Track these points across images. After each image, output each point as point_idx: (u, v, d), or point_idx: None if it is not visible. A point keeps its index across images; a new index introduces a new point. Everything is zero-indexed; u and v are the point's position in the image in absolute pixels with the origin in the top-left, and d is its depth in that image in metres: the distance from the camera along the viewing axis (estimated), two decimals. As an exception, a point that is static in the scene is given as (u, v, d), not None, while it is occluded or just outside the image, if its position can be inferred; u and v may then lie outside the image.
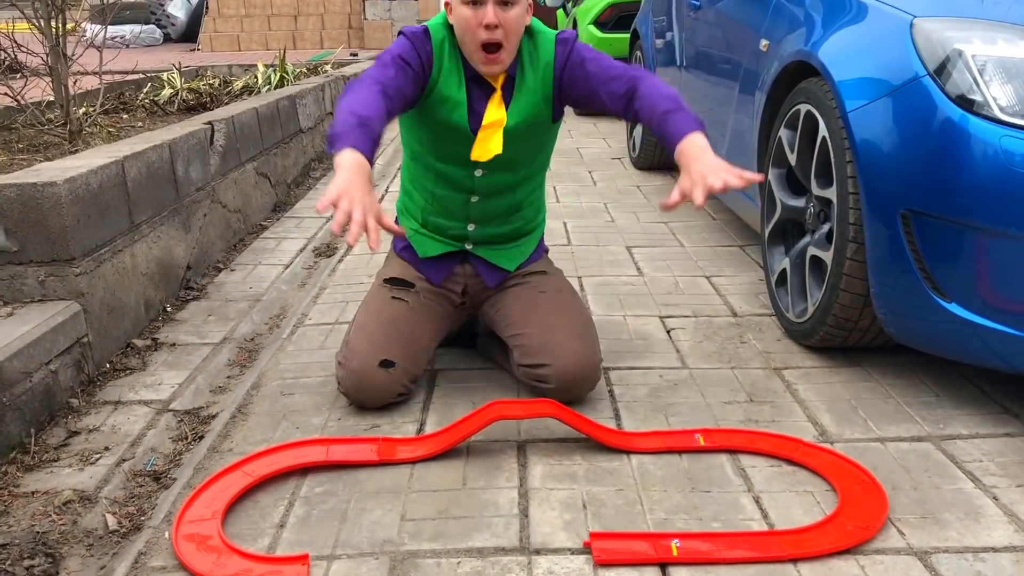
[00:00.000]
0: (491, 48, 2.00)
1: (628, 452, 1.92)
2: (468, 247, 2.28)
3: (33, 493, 1.81)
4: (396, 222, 2.36)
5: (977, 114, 1.84)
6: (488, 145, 2.10)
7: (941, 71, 1.93)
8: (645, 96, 1.98)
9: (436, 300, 2.27)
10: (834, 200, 2.23)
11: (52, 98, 4.35)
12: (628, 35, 5.72)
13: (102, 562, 1.62)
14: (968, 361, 2.04)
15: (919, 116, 1.95)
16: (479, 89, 2.09)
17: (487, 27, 1.96)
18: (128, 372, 2.41)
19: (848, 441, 1.97)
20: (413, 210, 2.32)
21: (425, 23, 2.14)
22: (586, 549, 1.57)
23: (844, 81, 2.19)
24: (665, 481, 1.81)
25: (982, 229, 1.85)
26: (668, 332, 2.63)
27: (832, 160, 2.23)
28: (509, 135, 2.10)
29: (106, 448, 1.99)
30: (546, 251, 2.44)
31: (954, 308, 1.95)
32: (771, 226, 2.68)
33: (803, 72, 2.49)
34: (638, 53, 5.21)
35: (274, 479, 1.84)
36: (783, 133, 2.57)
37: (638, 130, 5.16)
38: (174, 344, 2.61)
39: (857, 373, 2.32)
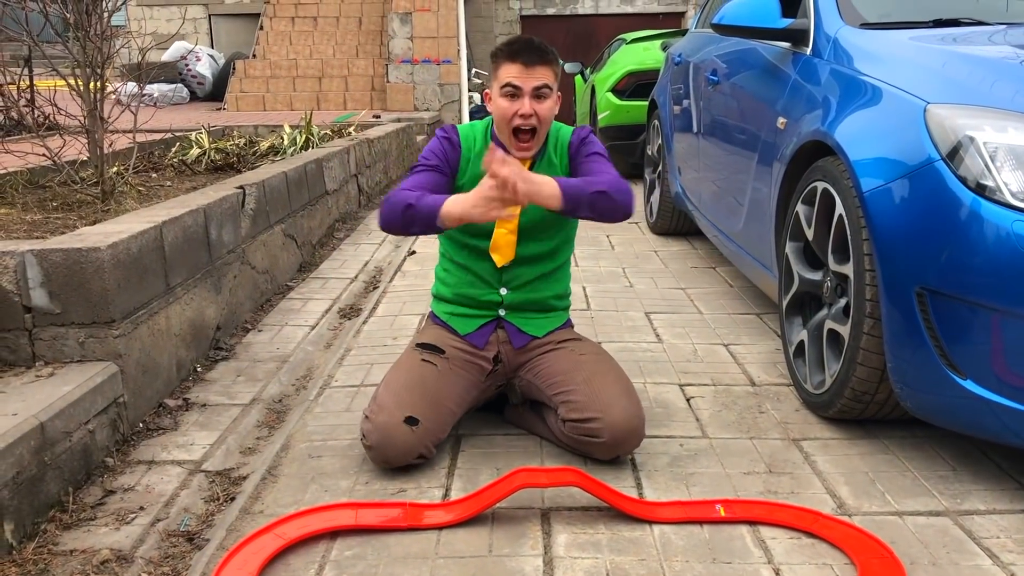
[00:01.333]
0: (524, 135, 2.29)
1: (650, 522, 1.96)
2: (502, 313, 2.40)
3: (71, 552, 1.87)
4: (431, 314, 2.54)
5: (989, 199, 1.92)
6: (502, 247, 2.37)
7: (953, 156, 2.01)
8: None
9: (466, 367, 2.34)
10: (851, 276, 2.29)
11: (85, 157, 4.50)
12: (646, 102, 5.86)
13: (139, 622, 1.66)
14: (984, 437, 2.08)
15: (933, 199, 2.03)
16: None
17: (523, 116, 2.25)
18: (161, 432, 2.48)
19: (866, 514, 2.00)
20: (447, 291, 2.47)
21: (450, 127, 2.45)
22: (610, 618, 1.61)
23: (860, 161, 2.27)
24: (687, 551, 1.85)
25: (995, 309, 1.91)
26: (688, 400, 2.68)
27: (849, 237, 2.30)
28: (531, 220, 2.34)
29: (141, 508, 2.05)
30: (572, 325, 2.53)
31: (969, 385, 1.99)
32: (789, 298, 2.74)
33: (819, 151, 2.58)
34: (656, 123, 5.33)
35: (304, 542, 1.89)
36: (800, 208, 2.64)
37: (655, 195, 5.26)
38: (204, 405, 2.68)
39: (875, 445, 2.36)
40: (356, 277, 4.33)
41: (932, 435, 2.39)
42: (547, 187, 2.12)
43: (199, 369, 2.97)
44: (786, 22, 3.04)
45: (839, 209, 2.36)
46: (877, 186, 2.18)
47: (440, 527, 1.94)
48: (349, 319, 3.65)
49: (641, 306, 3.71)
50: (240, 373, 2.96)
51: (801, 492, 2.11)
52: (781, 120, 2.91)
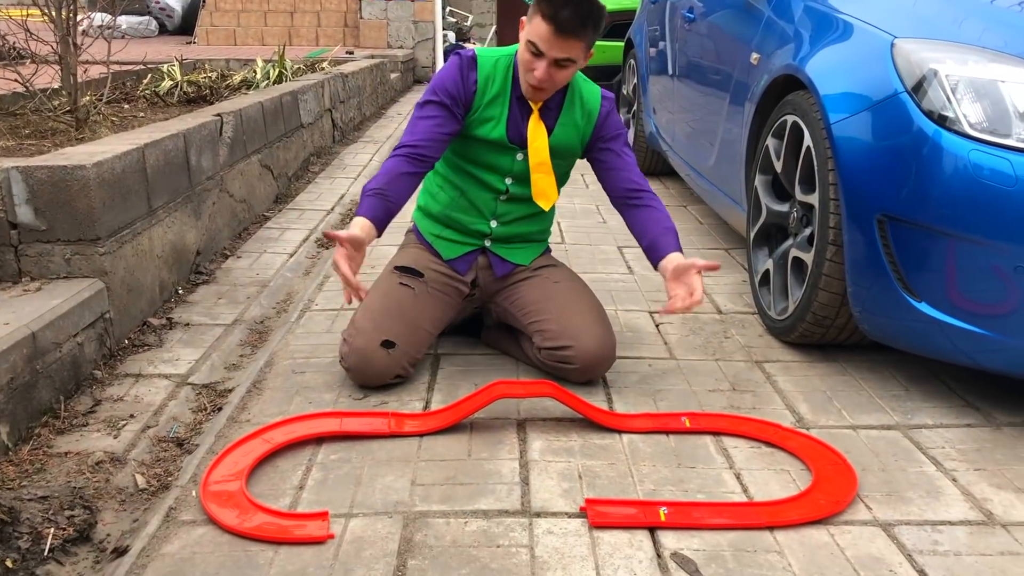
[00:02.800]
0: (536, 90, 2.23)
1: (620, 431, 2.07)
2: (487, 244, 2.44)
3: (66, 454, 1.94)
4: (415, 229, 2.57)
5: (949, 129, 2.01)
6: (546, 191, 2.35)
7: (918, 89, 2.10)
8: (651, 214, 2.36)
9: (444, 290, 2.41)
10: (816, 205, 2.39)
11: (58, 86, 4.46)
12: (622, 43, 5.88)
13: (135, 515, 1.75)
14: (935, 357, 2.21)
15: (896, 129, 2.12)
16: (522, 108, 2.31)
17: (538, 79, 2.17)
18: (146, 348, 2.54)
19: (823, 427, 2.13)
20: (436, 210, 2.48)
21: (470, 49, 2.36)
22: (582, 513, 1.72)
23: (828, 95, 2.35)
24: (654, 457, 1.96)
25: (951, 235, 2.01)
26: (657, 326, 2.78)
27: (815, 168, 2.39)
28: (561, 139, 2.34)
29: (131, 416, 2.13)
30: (549, 249, 2.60)
31: (924, 307, 2.11)
32: (756, 229, 2.84)
33: (790, 85, 2.66)
34: (632, 62, 5.37)
35: (291, 447, 1.98)
36: (770, 142, 2.73)
37: (630, 134, 5.32)
38: (188, 324, 2.74)
39: (833, 367, 2.48)
40: (332, 209, 4.38)
41: (888, 358, 2.51)
42: (693, 271, 2.21)
43: (181, 291, 3.03)
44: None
45: (807, 141, 2.45)
46: (844, 118, 2.27)
47: (421, 434, 2.03)
48: (327, 248, 3.71)
49: (614, 240, 3.79)
50: (221, 296, 3.02)
51: (762, 408, 2.23)
52: (755, 56, 2.98)
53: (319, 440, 2.01)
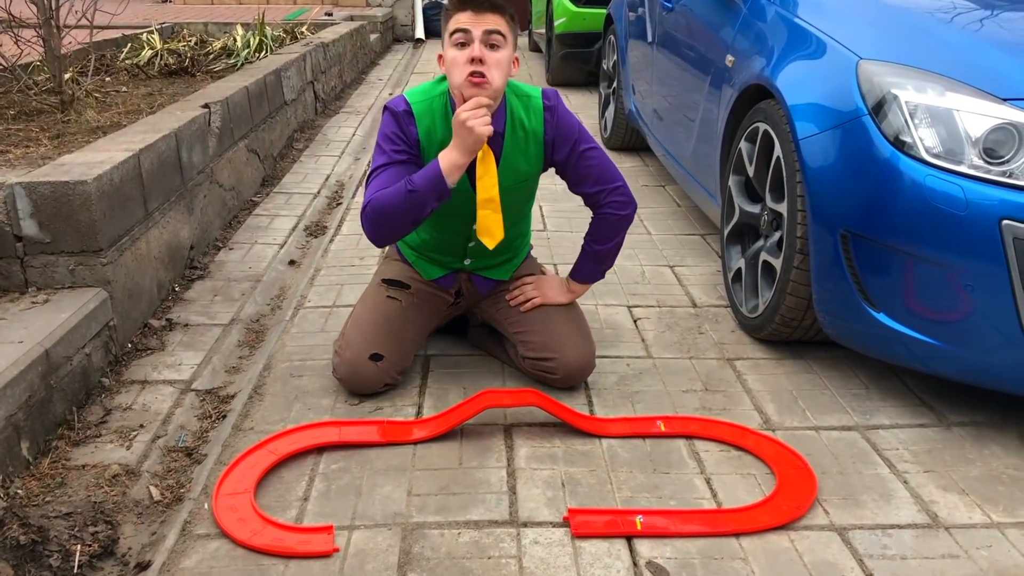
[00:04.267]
0: (477, 76, 2.12)
1: (600, 436, 2.23)
2: (467, 264, 2.52)
3: (84, 466, 2.08)
4: (396, 248, 2.59)
5: (907, 154, 2.14)
6: (492, 230, 2.28)
7: (878, 111, 2.23)
8: (597, 223, 2.46)
9: (428, 300, 2.54)
10: (785, 214, 2.53)
11: (38, 60, 4.50)
12: (604, 10, 5.94)
13: (152, 528, 1.90)
14: (893, 362, 2.37)
15: (859, 150, 2.25)
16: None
17: (472, 59, 2.12)
18: (149, 352, 2.67)
19: (788, 429, 2.29)
20: (412, 240, 2.53)
21: (404, 95, 2.29)
22: (565, 523, 1.88)
23: (797, 107, 2.48)
24: (631, 463, 2.12)
25: (908, 253, 2.16)
26: (635, 322, 2.93)
27: (784, 179, 2.52)
28: (502, 191, 2.27)
29: (141, 426, 2.26)
30: (531, 249, 2.72)
31: (882, 317, 2.27)
32: (729, 227, 2.98)
33: (763, 91, 2.77)
34: (612, 37, 5.44)
35: (294, 457, 2.12)
36: (743, 146, 2.85)
37: (609, 111, 5.41)
38: (187, 325, 2.86)
39: (799, 365, 2.64)
40: (319, 192, 4.47)
41: (851, 356, 2.68)
42: (570, 295, 2.51)
43: (177, 288, 3.14)
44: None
45: (777, 151, 2.58)
46: (811, 134, 2.40)
47: (415, 443, 2.18)
48: (316, 237, 3.82)
49: (593, 226, 3.92)
50: (216, 292, 3.14)
51: (732, 408, 2.39)
52: (730, 58, 3.08)
53: (320, 449, 2.16)
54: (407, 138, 2.25)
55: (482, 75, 2.13)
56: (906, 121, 2.17)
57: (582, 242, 2.51)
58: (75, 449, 2.15)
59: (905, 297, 2.22)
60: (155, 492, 2.01)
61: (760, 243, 2.77)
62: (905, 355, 2.29)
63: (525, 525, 1.88)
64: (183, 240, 3.28)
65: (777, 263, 2.59)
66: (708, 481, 2.06)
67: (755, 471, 2.11)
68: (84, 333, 2.39)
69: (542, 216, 4.06)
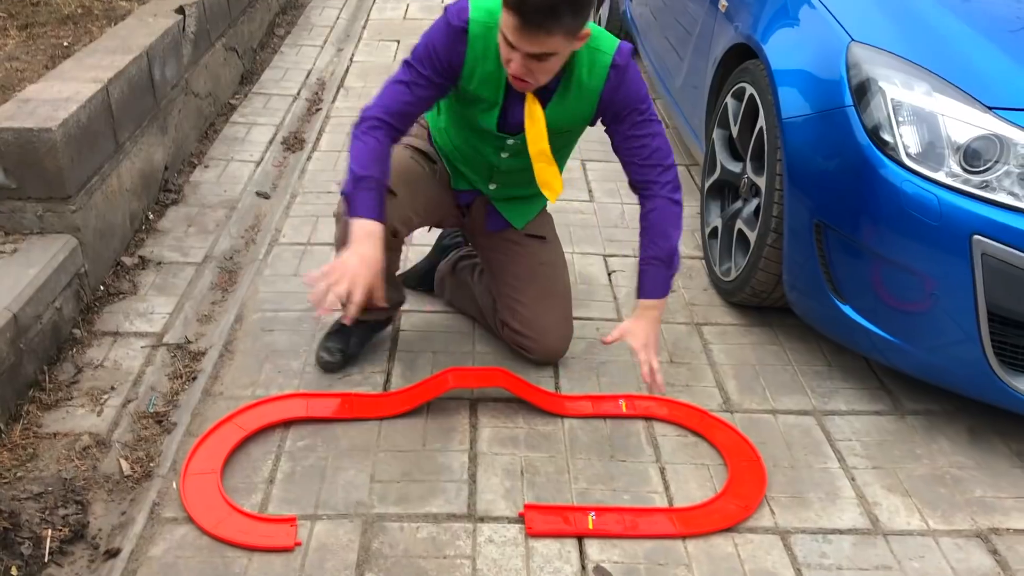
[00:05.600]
0: (519, 82, 1.97)
1: (563, 416, 2.28)
2: (490, 192, 2.37)
3: (55, 435, 2.13)
4: (430, 136, 2.38)
5: (888, 155, 2.10)
6: (551, 183, 2.15)
7: (862, 103, 2.17)
8: (651, 219, 2.18)
9: (446, 189, 2.36)
10: (763, 190, 2.50)
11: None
12: None
13: (122, 507, 1.96)
14: (854, 350, 2.41)
15: (841, 144, 2.21)
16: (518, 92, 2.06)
17: (514, 75, 1.93)
18: (121, 296, 2.67)
19: (746, 411, 2.35)
20: (446, 142, 2.33)
21: (469, 4, 2.00)
22: (520, 519, 1.95)
23: (783, 81, 2.40)
24: (589, 448, 2.19)
25: (878, 254, 2.16)
26: (609, 275, 2.94)
27: (765, 154, 2.48)
28: (557, 131, 2.13)
29: (112, 388, 2.30)
30: (545, 207, 2.54)
31: (847, 309, 2.29)
32: (710, 182, 2.95)
33: (752, 50, 2.68)
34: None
35: (262, 431, 2.17)
36: (729, 102, 2.78)
37: (604, 7, 5.21)
38: (159, 263, 2.86)
39: (766, 334, 2.68)
40: (298, 94, 4.35)
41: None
42: (658, 323, 2.17)
43: (151, 217, 3.11)
44: None
45: (761, 121, 2.52)
46: (794, 116, 2.34)
47: (380, 418, 2.23)
48: (293, 152, 3.75)
49: (579, 152, 3.85)
50: (191, 222, 3.12)
51: (695, 385, 2.44)
52: (723, 2, 2.96)
53: (287, 424, 2.20)
54: (444, 64, 2.02)
55: (525, 81, 1.95)
56: (889, 118, 2.11)
57: (640, 256, 2.20)
58: (46, 414, 2.20)
59: (871, 293, 2.23)
60: (125, 466, 2.07)
61: (739, 205, 2.75)
62: (866, 345, 2.32)
63: (482, 520, 1.96)
64: (156, 163, 3.22)
65: (752, 235, 2.58)
66: (662, 471, 2.13)
67: (709, 461, 2.18)
68: (53, 288, 2.39)
69: (588, 185, 3.88)
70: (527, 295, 2.42)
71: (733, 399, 2.40)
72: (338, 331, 2.43)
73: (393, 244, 2.26)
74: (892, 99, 2.12)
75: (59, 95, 2.63)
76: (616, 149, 2.20)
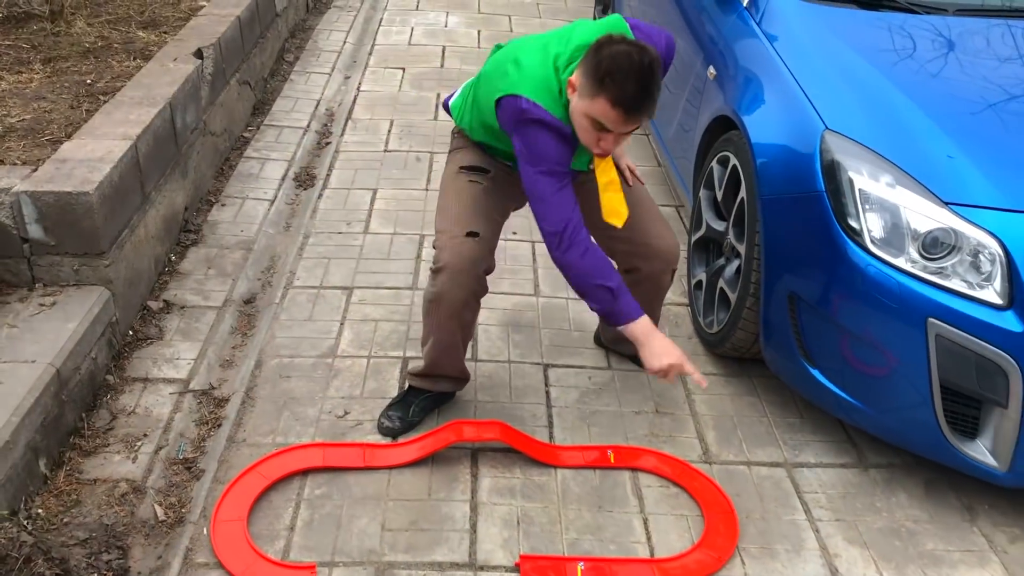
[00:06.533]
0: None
1: (555, 467, 2.50)
2: None
3: (95, 481, 2.35)
4: (462, 133, 2.54)
5: (854, 239, 2.32)
6: (618, 210, 2.36)
7: (834, 190, 2.38)
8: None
9: (507, 179, 2.50)
10: (742, 256, 2.72)
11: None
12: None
13: (158, 552, 2.19)
14: (822, 408, 2.63)
15: (813, 225, 2.42)
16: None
17: (603, 150, 2.18)
18: (148, 342, 2.89)
19: (724, 463, 2.58)
20: (500, 146, 2.47)
21: (542, 109, 2.17)
22: (517, 568, 2.18)
23: (762, 160, 2.61)
24: (580, 499, 2.41)
25: (845, 329, 2.38)
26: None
27: (745, 225, 2.69)
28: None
29: (144, 435, 2.51)
30: None
31: (816, 373, 2.51)
32: (696, 237, 3.16)
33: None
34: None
35: (283, 479, 2.39)
36: (715, 167, 3.00)
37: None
38: (183, 307, 3.07)
39: (744, 385, 2.90)
40: (308, 126, 4.55)
41: (792, 378, 2.93)
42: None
43: (173, 258, 3.32)
44: (730, -36, 3.21)
45: (742, 193, 2.74)
46: (773, 195, 2.56)
47: (391, 467, 2.45)
48: (305, 189, 3.96)
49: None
50: (210, 264, 3.33)
51: (677, 436, 2.67)
52: (712, 70, 3.16)
53: (305, 472, 2.42)
54: (566, 148, 2.23)
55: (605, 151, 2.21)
56: (857, 207, 2.33)
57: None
58: (86, 460, 2.41)
59: (838, 360, 2.45)
60: (159, 512, 2.29)
61: (722, 262, 2.96)
62: (832, 406, 2.55)
63: (482, 569, 2.18)
64: (178, 206, 3.43)
65: (732, 296, 2.79)
66: (645, 522, 2.36)
67: (688, 512, 2.40)
68: (90, 339, 2.60)
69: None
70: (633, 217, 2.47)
71: (712, 450, 2.62)
72: (400, 401, 2.65)
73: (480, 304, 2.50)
74: (860, 189, 2.34)
75: (92, 155, 2.84)
76: None
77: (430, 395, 2.64)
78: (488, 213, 2.46)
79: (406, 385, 2.70)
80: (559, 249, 2.24)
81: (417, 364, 2.63)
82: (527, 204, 2.43)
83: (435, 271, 2.39)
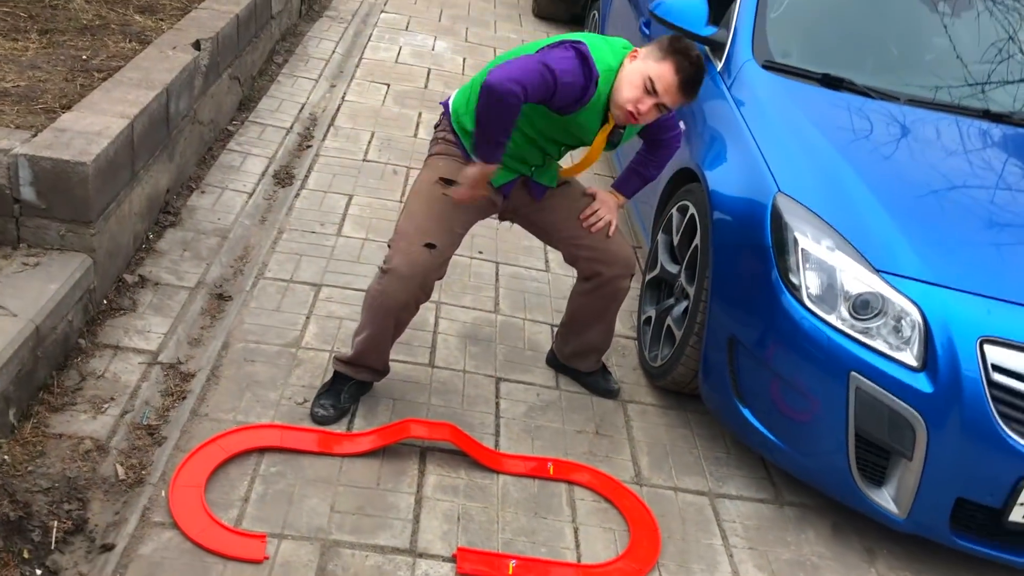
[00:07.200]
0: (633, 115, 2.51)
1: (499, 472, 2.67)
2: (531, 173, 2.77)
3: (60, 436, 2.46)
4: (458, 142, 2.71)
5: (793, 293, 2.55)
6: (571, 175, 2.78)
7: (779, 247, 2.61)
8: (657, 153, 2.89)
9: (480, 202, 2.68)
10: (691, 299, 2.94)
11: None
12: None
13: (116, 508, 2.30)
14: (748, 445, 2.85)
15: (757, 276, 2.65)
16: (604, 120, 2.61)
17: (638, 111, 2.48)
18: (122, 312, 3.00)
19: (653, 486, 2.77)
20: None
21: (594, 62, 2.47)
22: (453, 559, 2.34)
23: (717, 217, 2.84)
24: (518, 504, 2.58)
25: (776, 373, 2.60)
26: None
27: (697, 270, 2.91)
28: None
29: (111, 398, 2.63)
30: None
31: (746, 412, 2.73)
32: (650, 276, 3.38)
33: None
34: (597, 9, 5.63)
35: (241, 454, 2.52)
36: (674, 214, 3.22)
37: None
38: (157, 283, 3.19)
39: (680, 418, 3.10)
40: (291, 127, 4.70)
41: (724, 417, 3.15)
42: (618, 211, 2.88)
43: (151, 236, 3.44)
44: (710, 31, 3.46)
45: (697, 240, 2.96)
46: (725, 244, 2.78)
47: (343, 456, 2.60)
48: (283, 187, 4.10)
49: (539, 221, 4.27)
50: (186, 246, 3.45)
51: (614, 457, 2.86)
52: (680, 125, 3.40)
53: (263, 450, 2.56)
54: (572, 97, 2.47)
55: (638, 119, 2.53)
56: (799, 265, 2.56)
57: (632, 161, 2.93)
58: (53, 415, 2.52)
59: (767, 402, 2.67)
60: (121, 471, 2.41)
61: (671, 302, 3.18)
62: (758, 444, 2.77)
63: (421, 556, 2.34)
64: (161, 188, 3.55)
65: (678, 334, 3.01)
66: (576, 531, 2.54)
67: (615, 526, 2.59)
68: (69, 302, 2.72)
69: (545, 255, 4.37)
70: (582, 229, 2.81)
71: (644, 474, 2.82)
72: (329, 389, 2.79)
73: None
74: (803, 248, 2.57)
75: (91, 128, 2.96)
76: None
77: (358, 383, 2.79)
78: (451, 227, 2.64)
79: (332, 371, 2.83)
80: (498, 97, 2.34)
81: (345, 351, 2.79)
82: (494, 217, 2.79)
83: (384, 270, 2.58)
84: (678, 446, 2.97)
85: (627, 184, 2.96)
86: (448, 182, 2.64)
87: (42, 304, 2.59)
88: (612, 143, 2.73)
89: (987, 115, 3.31)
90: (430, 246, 2.56)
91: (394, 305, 2.60)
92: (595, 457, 2.84)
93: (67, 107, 3.14)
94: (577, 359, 3.09)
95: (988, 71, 3.56)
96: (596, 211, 2.83)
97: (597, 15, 5.56)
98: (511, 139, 2.53)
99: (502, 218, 2.95)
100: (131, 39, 4.01)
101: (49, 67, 3.61)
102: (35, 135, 2.87)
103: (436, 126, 2.83)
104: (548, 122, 2.58)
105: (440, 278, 2.66)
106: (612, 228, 2.84)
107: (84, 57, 3.77)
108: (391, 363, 2.89)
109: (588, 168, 2.84)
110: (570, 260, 2.92)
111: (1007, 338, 2.39)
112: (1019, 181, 3.11)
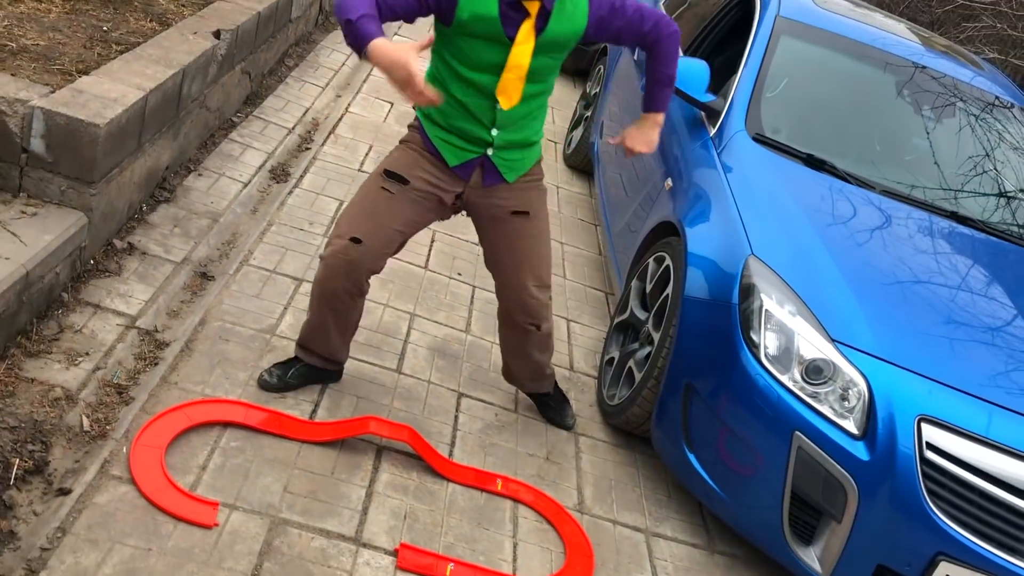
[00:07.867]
0: None
1: (450, 481, 2.76)
2: (489, 152, 2.61)
3: (32, 380, 2.52)
4: (421, 131, 2.65)
5: (751, 350, 2.69)
6: (511, 92, 2.47)
7: (745, 304, 2.76)
8: (656, 51, 2.62)
9: (426, 196, 2.65)
10: (655, 344, 3.07)
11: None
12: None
13: (77, 457, 2.36)
14: (689, 490, 2.96)
15: (721, 329, 2.79)
16: (514, 12, 2.39)
17: None
18: (107, 275, 3.07)
19: (594, 516, 2.87)
20: (439, 118, 2.59)
21: None
22: (395, 554, 2.42)
23: (692, 270, 2.99)
24: (463, 512, 2.67)
25: (724, 423, 2.73)
26: (516, 372, 3.45)
27: (665, 317, 3.05)
28: (541, 47, 2.45)
29: (86, 353, 2.70)
30: (540, 159, 2.82)
31: (692, 458, 2.85)
32: (619, 319, 3.51)
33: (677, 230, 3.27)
34: (602, 67, 5.83)
35: (204, 425, 2.60)
36: (650, 263, 3.37)
37: (578, 131, 5.82)
38: (144, 253, 3.27)
39: (627, 457, 3.22)
40: (293, 128, 4.81)
41: (670, 463, 3.26)
42: (658, 127, 2.74)
43: (145, 208, 3.52)
44: (709, 98, 3.64)
45: (669, 290, 3.10)
46: (695, 296, 2.93)
47: (303, 441, 2.68)
48: (278, 182, 4.20)
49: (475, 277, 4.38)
50: (177, 223, 3.54)
51: (560, 483, 2.96)
52: (668, 182, 3.57)
53: (226, 424, 2.64)
54: None
55: None
56: (760, 324, 2.71)
57: (647, 79, 2.70)
58: (28, 360, 2.58)
59: (713, 453, 2.80)
60: (86, 422, 2.47)
61: (635, 346, 3.31)
62: (698, 489, 2.88)
63: (364, 545, 2.42)
64: (161, 163, 3.64)
65: (638, 376, 3.13)
66: (515, 546, 2.63)
67: (553, 547, 2.68)
68: (59, 255, 2.79)
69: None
70: (506, 265, 2.80)
71: (587, 503, 2.92)
72: (283, 363, 2.88)
73: (359, 303, 2.75)
74: (766, 310, 2.72)
75: (108, 93, 3.06)
76: (619, 41, 2.63)
77: (307, 365, 2.88)
78: (384, 223, 2.61)
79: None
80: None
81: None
82: (475, 244, 2.77)
83: (320, 258, 2.68)
84: (622, 482, 3.08)
85: (653, 100, 2.73)
86: (389, 175, 2.64)
87: (35, 252, 2.66)
88: (545, 45, 2.46)
89: (953, 216, 3.50)
90: (356, 240, 2.58)
91: (323, 293, 2.70)
92: (543, 480, 2.93)
93: (83, 72, 3.23)
94: (512, 380, 3.19)
95: (961, 180, 3.77)
96: (633, 140, 2.74)
97: (603, 69, 5.76)
98: (445, 101, 2.50)
99: (455, 211, 2.81)
100: (152, 19, 4.12)
101: (69, 32, 3.70)
102: (53, 91, 2.96)
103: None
104: (453, 48, 2.47)
105: (375, 272, 2.67)
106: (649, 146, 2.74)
107: (104, 28, 3.87)
108: (360, 364, 2.99)
109: (520, 75, 2.47)
110: (496, 291, 2.93)
111: (944, 419, 2.54)
112: (980, 285, 3.28)
